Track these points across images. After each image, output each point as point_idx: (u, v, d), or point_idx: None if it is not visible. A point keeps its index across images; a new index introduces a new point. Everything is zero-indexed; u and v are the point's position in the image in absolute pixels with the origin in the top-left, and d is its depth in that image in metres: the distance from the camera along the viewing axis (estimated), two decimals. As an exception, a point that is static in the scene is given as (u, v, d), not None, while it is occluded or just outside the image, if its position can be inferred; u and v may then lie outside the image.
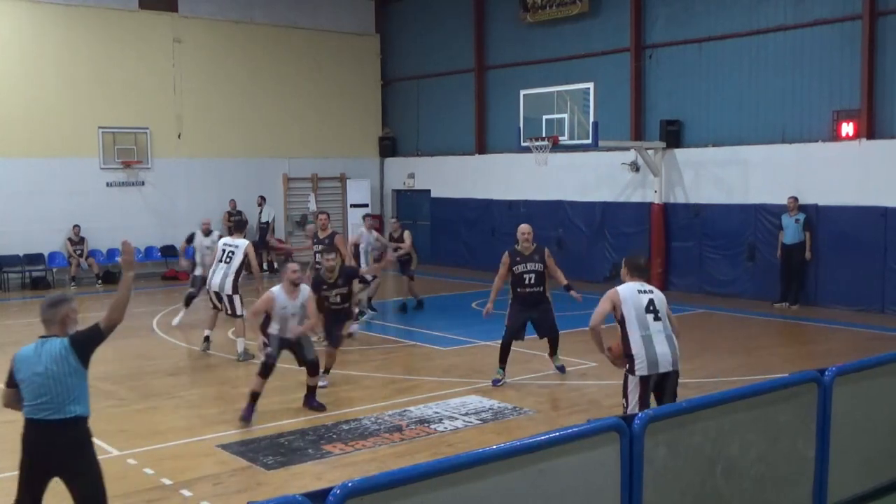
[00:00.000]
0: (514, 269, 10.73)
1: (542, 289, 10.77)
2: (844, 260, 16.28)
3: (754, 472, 5.72)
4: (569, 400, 10.28)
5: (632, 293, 7.18)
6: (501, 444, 4.62)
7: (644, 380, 7.08)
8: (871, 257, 15.93)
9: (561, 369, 11.22)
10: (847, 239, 16.24)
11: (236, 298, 12.62)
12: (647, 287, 7.29)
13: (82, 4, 21.35)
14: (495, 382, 10.75)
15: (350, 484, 3.84)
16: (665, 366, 7.08)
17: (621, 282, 7.40)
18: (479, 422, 9.20)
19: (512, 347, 11.04)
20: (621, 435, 4.87)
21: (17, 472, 5.43)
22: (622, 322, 7.15)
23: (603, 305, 7.17)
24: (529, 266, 10.66)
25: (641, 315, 7.10)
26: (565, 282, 11.25)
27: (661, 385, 7.16)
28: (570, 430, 4.81)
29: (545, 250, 10.95)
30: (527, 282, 10.68)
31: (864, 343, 13.10)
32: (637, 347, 7.07)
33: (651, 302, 7.15)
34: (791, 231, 16.58)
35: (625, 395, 7.23)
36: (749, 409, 5.69)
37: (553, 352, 11.21)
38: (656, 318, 7.12)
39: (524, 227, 10.92)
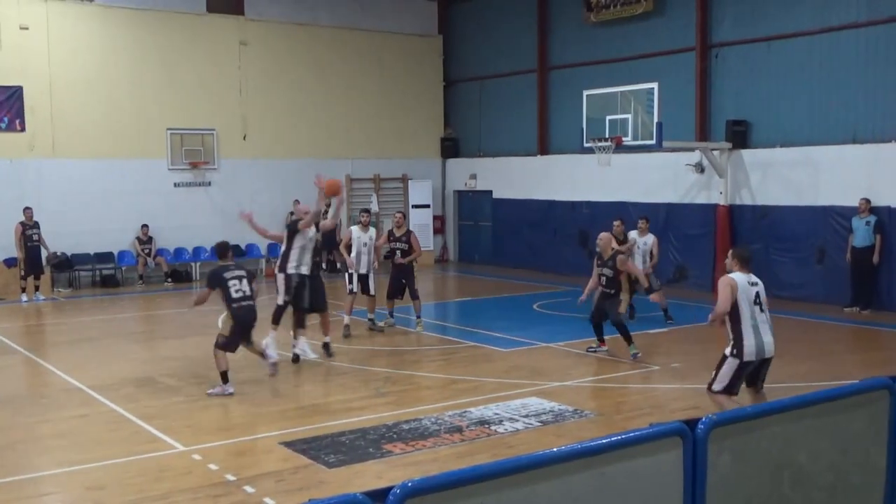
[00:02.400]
0: (596, 269, 12.48)
1: (612, 290, 12.26)
2: (918, 263, 15.80)
3: (823, 480, 5.58)
4: (631, 403, 10.16)
5: (744, 284, 7.88)
6: (562, 447, 4.58)
7: (745, 365, 7.85)
8: (947, 261, 15.43)
9: (634, 356, 12.05)
10: (921, 242, 15.76)
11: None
12: (755, 279, 8.01)
13: (152, 8, 21.82)
14: (589, 349, 12.62)
15: (410, 483, 3.84)
16: (769, 352, 7.93)
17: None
18: (539, 424, 9.14)
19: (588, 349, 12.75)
20: (684, 440, 4.79)
21: (84, 466, 5.54)
22: (735, 310, 7.82)
23: (725, 292, 7.85)
24: (604, 270, 12.27)
25: (751, 305, 7.84)
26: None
27: (758, 369, 8.00)
28: (631, 434, 4.74)
29: (617, 258, 12.31)
30: (602, 282, 12.29)
31: (938, 349, 12.71)
32: (747, 335, 7.79)
33: (758, 294, 7.92)
34: (861, 234, 16.15)
35: (718, 369, 8.01)
36: (819, 416, 5.55)
37: (627, 341, 12.17)
38: (762, 310, 7.91)
39: (602, 234, 12.73)
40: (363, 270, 14.34)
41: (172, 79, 22.11)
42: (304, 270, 11.76)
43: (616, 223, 15.26)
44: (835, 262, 16.93)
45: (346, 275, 14.68)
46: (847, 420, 5.77)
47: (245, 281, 10.59)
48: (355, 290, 14.33)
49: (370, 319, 14.61)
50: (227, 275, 10.55)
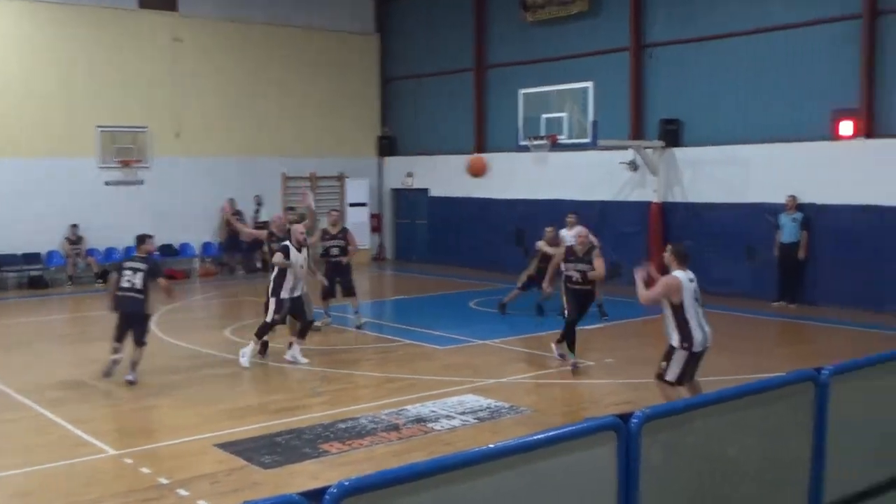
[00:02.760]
0: (562, 265, 11.65)
1: (589, 287, 11.51)
2: (842, 259, 16.28)
3: (751, 471, 5.71)
4: (566, 399, 10.27)
5: (686, 282, 8.33)
6: (497, 443, 4.60)
7: (694, 355, 8.39)
8: (869, 256, 15.93)
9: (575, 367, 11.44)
10: (845, 238, 16.24)
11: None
12: (692, 275, 8.46)
13: (81, 4, 21.33)
14: (575, 367, 11.31)
15: (346, 483, 3.82)
16: (710, 342, 8.47)
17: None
18: (475, 421, 9.19)
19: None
20: (618, 434, 4.86)
21: (11, 472, 5.41)
22: (680, 307, 8.27)
23: (659, 290, 8.33)
24: (579, 266, 11.44)
25: (694, 301, 8.32)
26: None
27: (702, 355, 8.54)
28: (566, 429, 4.79)
29: (595, 251, 11.62)
30: (574, 279, 11.46)
31: (861, 342, 13.11)
32: (695, 329, 8.30)
33: (697, 290, 8.42)
34: (789, 230, 16.58)
35: (667, 360, 8.46)
36: (746, 409, 5.68)
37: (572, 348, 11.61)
38: (701, 304, 8.45)
39: (580, 228, 12.14)
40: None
41: (103, 76, 21.64)
42: (297, 293, 11.90)
43: (548, 229, 15.37)
44: (763, 258, 17.35)
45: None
46: (774, 412, 5.91)
47: (140, 275, 10.75)
48: None
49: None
50: (127, 264, 10.94)
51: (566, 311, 11.44)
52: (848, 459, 6.46)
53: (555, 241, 15.01)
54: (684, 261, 8.48)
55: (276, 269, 11.78)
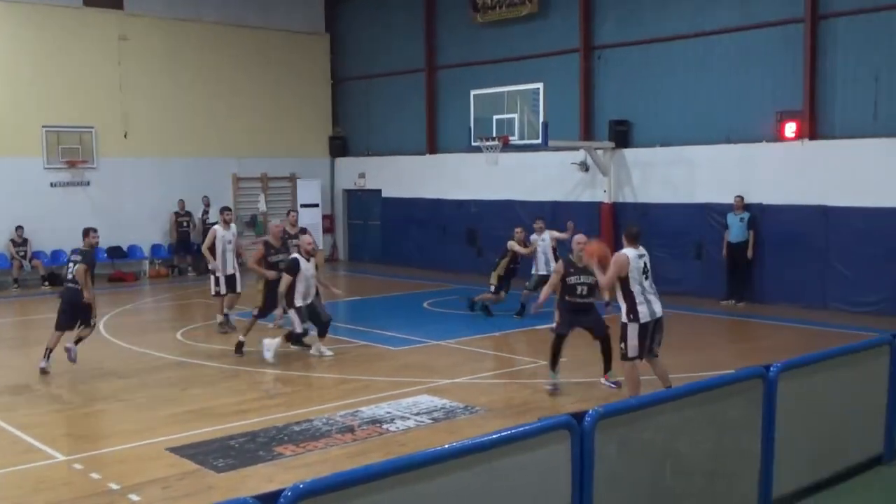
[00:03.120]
0: (567, 279, 10.32)
1: (591, 300, 10.44)
2: (788, 258, 16.61)
3: (703, 466, 5.81)
4: (520, 398, 10.33)
5: (634, 258, 9.00)
6: (453, 444, 4.63)
7: (644, 326, 8.96)
8: (814, 255, 16.27)
9: (617, 384, 10.35)
10: (790, 237, 16.57)
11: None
12: (643, 251, 9.15)
13: (24, 2, 20.92)
14: (553, 389, 10.30)
15: (301, 485, 3.83)
16: (659, 312, 9.10)
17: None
18: (430, 421, 9.20)
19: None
20: (572, 432, 4.92)
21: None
22: (626, 280, 8.92)
23: (612, 270, 8.99)
24: (583, 279, 10.27)
25: (640, 275, 9.00)
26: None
27: (653, 334, 9.10)
28: (520, 429, 4.83)
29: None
30: (578, 292, 10.33)
31: (807, 339, 13.37)
32: (640, 301, 8.94)
33: (645, 264, 9.07)
34: (736, 230, 16.87)
35: (623, 340, 9.03)
36: (697, 406, 5.78)
37: (608, 364, 10.55)
38: (648, 278, 9.09)
39: (580, 237, 10.61)
40: (230, 270, 14.37)
41: (48, 74, 21.25)
42: (310, 299, 12.16)
43: (518, 230, 15.45)
44: (712, 258, 17.63)
45: (213, 277, 14.48)
46: (724, 409, 6.02)
47: (74, 266, 11.45)
48: (223, 291, 14.39)
49: (225, 315, 14.51)
50: (72, 257, 11.82)
51: (557, 325, 10.41)
52: (797, 454, 6.60)
53: (525, 243, 15.15)
54: (635, 239, 9.21)
55: (283, 283, 11.84)
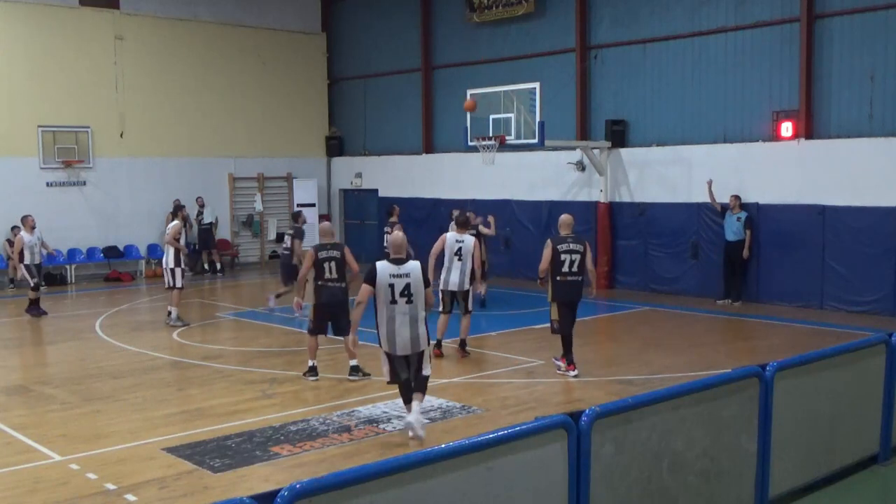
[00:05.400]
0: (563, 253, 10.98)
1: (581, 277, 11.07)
2: (784, 257, 16.63)
3: (699, 466, 5.81)
4: (516, 398, 10.33)
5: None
6: (450, 443, 4.63)
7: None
8: (810, 254, 16.29)
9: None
10: (787, 237, 16.59)
11: (177, 271, 14.58)
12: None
13: (20, 1, 20.89)
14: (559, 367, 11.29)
15: (298, 485, 3.83)
16: (455, 285, 11.99)
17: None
18: (427, 421, 9.19)
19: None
20: (569, 432, 4.92)
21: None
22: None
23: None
24: (574, 246, 10.91)
25: (453, 256, 12.06)
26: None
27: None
28: (517, 428, 4.84)
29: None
30: (572, 269, 10.93)
31: (803, 338, 13.39)
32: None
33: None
34: (732, 229, 16.88)
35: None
36: (693, 405, 5.78)
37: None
38: (460, 259, 12.07)
39: (563, 215, 11.38)
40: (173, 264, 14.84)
41: (44, 74, 21.22)
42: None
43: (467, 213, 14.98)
44: (708, 257, 17.65)
45: (178, 270, 14.83)
46: (720, 408, 6.03)
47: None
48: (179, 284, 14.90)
49: (169, 314, 14.92)
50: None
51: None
52: (793, 453, 6.61)
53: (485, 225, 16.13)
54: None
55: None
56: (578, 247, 10.78)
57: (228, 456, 8.11)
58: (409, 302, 8.29)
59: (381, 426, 9.03)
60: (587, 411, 5.05)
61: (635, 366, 11.73)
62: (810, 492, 6.79)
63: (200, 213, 23.11)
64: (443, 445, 4.56)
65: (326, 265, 10.85)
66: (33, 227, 16.06)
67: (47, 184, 21.43)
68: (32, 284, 16.06)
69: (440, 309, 11.96)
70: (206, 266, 23.24)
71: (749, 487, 6.22)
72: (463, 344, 12.25)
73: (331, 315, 11.00)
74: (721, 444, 5.97)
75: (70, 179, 21.76)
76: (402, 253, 8.47)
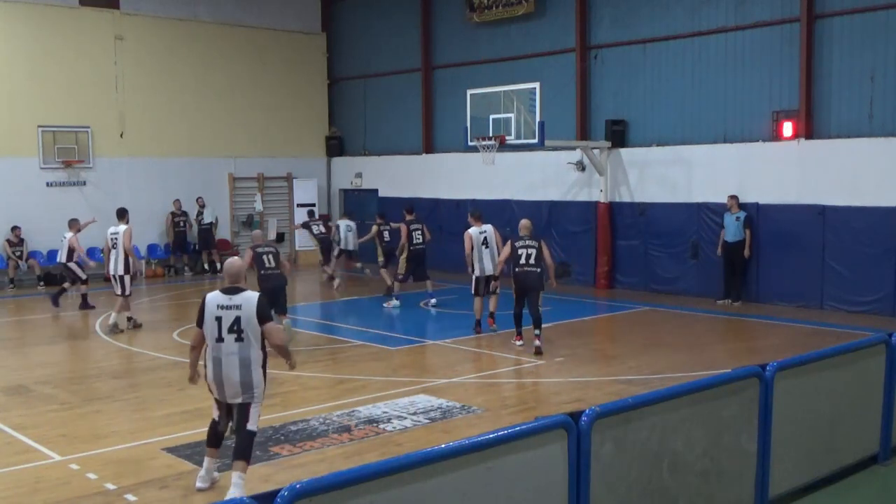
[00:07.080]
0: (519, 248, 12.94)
1: (539, 269, 12.83)
2: (784, 257, 16.63)
3: (699, 466, 5.81)
4: (516, 398, 10.34)
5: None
6: (450, 443, 4.63)
7: (479, 279, 13.85)
8: (810, 254, 16.28)
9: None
10: (787, 237, 16.58)
11: (126, 279, 14.66)
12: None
13: (20, 1, 20.88)
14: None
15: (298, 485, 3.83)
16: (489, 270, 13.87)
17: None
18: (427, 421, 9.20)
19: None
20: (569, 432, 4.92)
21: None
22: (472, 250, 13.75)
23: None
24: (529, 242, 12.84)
25: (481, 246, 13.87)
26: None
27: (487, 283, 13.97)
28: (517, 428, 4.84)
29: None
30: (529, 262, 12.71)
31: (803, 338, 13.39)
32: (477, 262, 13.87)
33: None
34: (732, 229, 16.88)
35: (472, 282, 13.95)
36: (693, 405, 5.78)
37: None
38: (487, 246, 13.92)
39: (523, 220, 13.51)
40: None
41: (44, 74, 21.21)
42: None
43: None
44: (708, 257, 17.64)
45: (127, 277, 14.84)
46: (719, 407, 6.03)
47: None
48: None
49: (114, 323, 14.77)
50: None
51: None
52: (793, 453, 6.61)
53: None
54: (477, 220, 13.92)
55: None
56: (533, 243, 12.61)
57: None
58: (239, 340, 6.98)
59: (381, 426, 9.03)
60: (587, 411, 5.05)
61: (635, 366, 11.73)
62: (810, 492, 6.80)
63: (200, 213, 23.12)
64: (443, 446, 4.56)
65: (265, 257, 12.80)
66: (79, 230, 17.17)
67: (47, 184, 21.43)
68: (84, 278, 17.21)
69: (473, 292, 14.08)
70: (206, 266, 23.23)
71: (749, 487, 6.22)
72: (492, 315, 14.15)
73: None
74: (721, 444, 5.97)
75: (70, 179, 21.75)
76: (238, 281, 7.20)
